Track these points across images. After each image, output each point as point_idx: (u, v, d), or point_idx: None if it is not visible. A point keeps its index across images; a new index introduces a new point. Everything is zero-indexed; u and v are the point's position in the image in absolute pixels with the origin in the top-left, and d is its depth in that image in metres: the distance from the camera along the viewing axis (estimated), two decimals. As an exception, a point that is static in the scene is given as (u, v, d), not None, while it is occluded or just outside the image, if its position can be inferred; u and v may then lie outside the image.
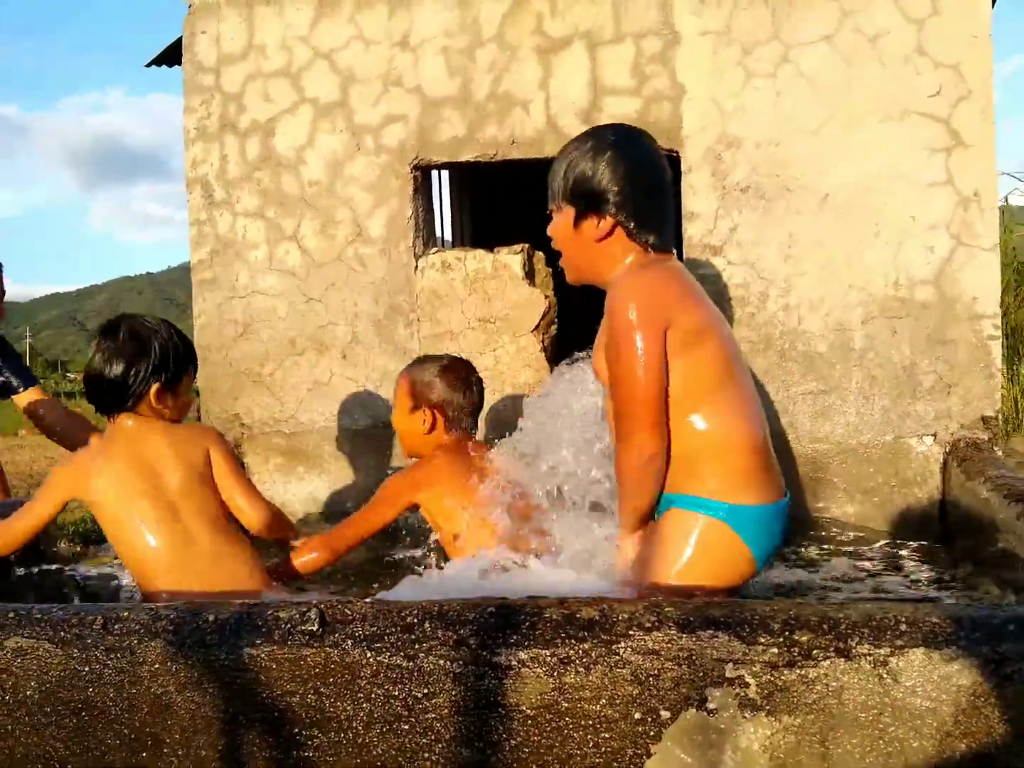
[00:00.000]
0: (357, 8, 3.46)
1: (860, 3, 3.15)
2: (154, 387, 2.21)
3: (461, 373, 2.53)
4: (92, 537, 5.94)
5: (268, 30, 3.52)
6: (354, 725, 1.34)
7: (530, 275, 3.40)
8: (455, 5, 3.39)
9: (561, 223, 2.00)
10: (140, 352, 2.20)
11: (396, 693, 1.32)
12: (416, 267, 3.45)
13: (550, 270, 3.46)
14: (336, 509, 3.50)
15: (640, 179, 1.92)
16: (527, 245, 3.42)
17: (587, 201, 1.93)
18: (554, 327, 3.43)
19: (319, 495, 3.56)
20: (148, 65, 4.61)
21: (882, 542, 2.94)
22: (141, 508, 2.18)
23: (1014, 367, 5.35)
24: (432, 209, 3.73)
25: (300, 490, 3.56)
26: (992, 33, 3.12)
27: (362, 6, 3.46)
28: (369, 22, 3.46)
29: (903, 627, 1.21)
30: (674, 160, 3.30)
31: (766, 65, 3.21)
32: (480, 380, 2.57)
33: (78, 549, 5.25)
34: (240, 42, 3.54)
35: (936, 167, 3.14)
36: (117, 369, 2.19)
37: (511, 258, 3.37)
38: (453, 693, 1.31)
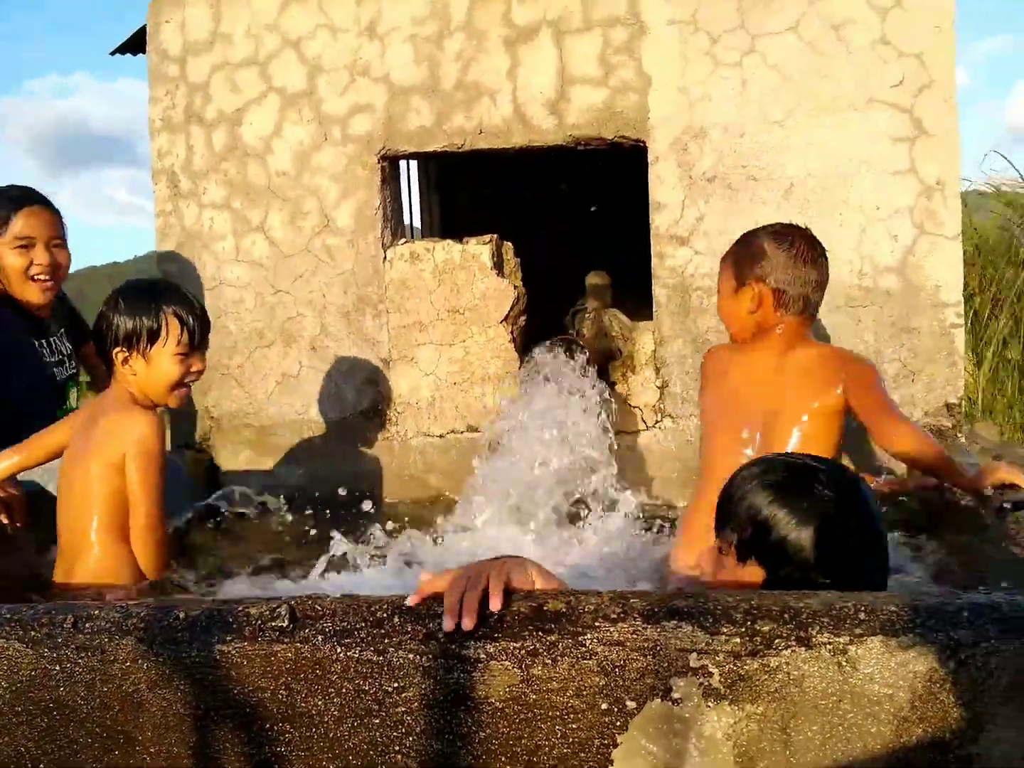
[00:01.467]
0: (324, -4, 3.44)
1: (825, -7, 3.18)
2: (116, 353, 2.28)
3: (791, 240, 2.38)
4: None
5: (235, 18, 3.50)
6: (325, 720, 1.35)
7: (499, 266, 3.41)
8: (422, -7, 3.38)
9: (712, 561, 1.64)
10: (101, 319, 2.30)
11: (367, 688, 1.34)
12: (384, 258, 3.45)
13: (518, 261, 3.47)
14: (306, 501, 3.49)
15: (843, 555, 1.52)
16: (495, 236, 3.43)
17: (765, 555, 1.53)
18: (523, 318, 3.44)
19: (289, 487, 3.55)
20: (113, 53, 4.57)
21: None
22: (62, 476, 2.31)
23: (980, 352, 5.43)
24: (400, 199, 3.73)
25: (270, 483, 3.56)
26: (955, 23, 3.16)
27: (329, -6, 3.44)
28: (337, 10, 3.44)
29: (862, 616, 1.24)
30: (641, 150, 3.32)
31: (732, 54, 3.23)
32: (824, 252, 2.42)
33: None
34: (206, 30, 3.52)
35: (900, 156, 3.17)
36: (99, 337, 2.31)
37: (480, 248, 3.38)
38: (423, 687, 1.32)
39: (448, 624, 1.31)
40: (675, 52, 3.25)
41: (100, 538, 2.21)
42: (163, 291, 2.34)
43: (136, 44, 4.48)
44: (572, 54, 3.30)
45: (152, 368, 2.26)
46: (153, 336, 2.25)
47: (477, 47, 3.35)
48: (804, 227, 2.48)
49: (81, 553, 2.23)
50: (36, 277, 2.83)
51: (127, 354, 2.25)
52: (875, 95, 3.16)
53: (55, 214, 2.89)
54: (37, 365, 2.90)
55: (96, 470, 2.20)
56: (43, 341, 2.95)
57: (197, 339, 2.30)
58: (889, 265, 3.19)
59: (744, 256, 2.41)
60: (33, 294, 2.85)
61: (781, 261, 2.36)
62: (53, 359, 2.96)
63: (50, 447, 2.40)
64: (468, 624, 1.31)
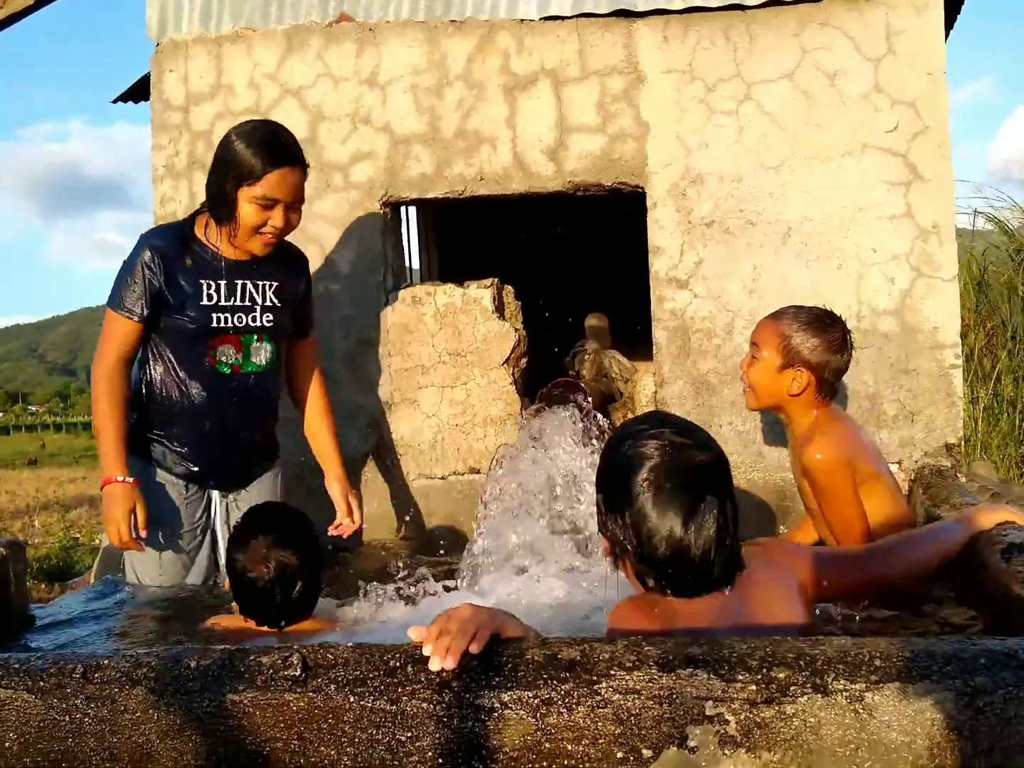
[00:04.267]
0: (325, 46, 3.50)
1: (819, 42, 3.23)
2: None
3: (839, 332, 2.46)
4: (57, 573, 5.83)
5: (236, 68, 3.55)
6: (338, 770, 1.34)
7: (500, 309, 3.43)
8: (422, 43, 3.44)
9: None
10: None
11: (380, 737, 1.33)
12: (386, 302, 3.47)
13: (519, 304, 3.50)
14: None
15: None
16: (496, 279, 3.46)
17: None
18: (524, 360, 3.46)
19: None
20: (115, 101, 4.62)
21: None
22: None
23: (974, 389, 5.45)
24: (401, 244, 3.76)
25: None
26: (947, 71, 3.22)
27: (330, 43, 3.50)
28: (337, 60, 3.49)
29: (877, 662, 1.24)
30: (640, 196, 3.36)
31: (728, 102, 3.28)
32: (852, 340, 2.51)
33: (43, 586, 5.16)
34: (208, 80, 3.56)
35: (896, 200, 3.22)
36: None
37: (481, 292, 3.40)
38: (436, 736, 1.31)
39: (434, 664, 1.33)
40: (672, 100, 3.30)
41: None
42: None
43: (137, 93, 4.54)
44: (570, 102, 3.35)
45: None
46: None
47: (477, 96, 3.40)
48: (839, 315, 2.53)
49: None
50: (263, 233, 2.63)
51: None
52: (870, 141, 3.21)
53: (304, 174, 2.67)
54: (192, 307, 2.66)
55: None
56: (217, 283, 2.68)
57: None
58: (887, 308, 3.22)
59: (796, 338, 2.44)
60: (256, 247, 2.66)
61: (830, 350, 2.43)
62: (227, 302, 2.70)
63: None
64: (449, 664, 1.33)
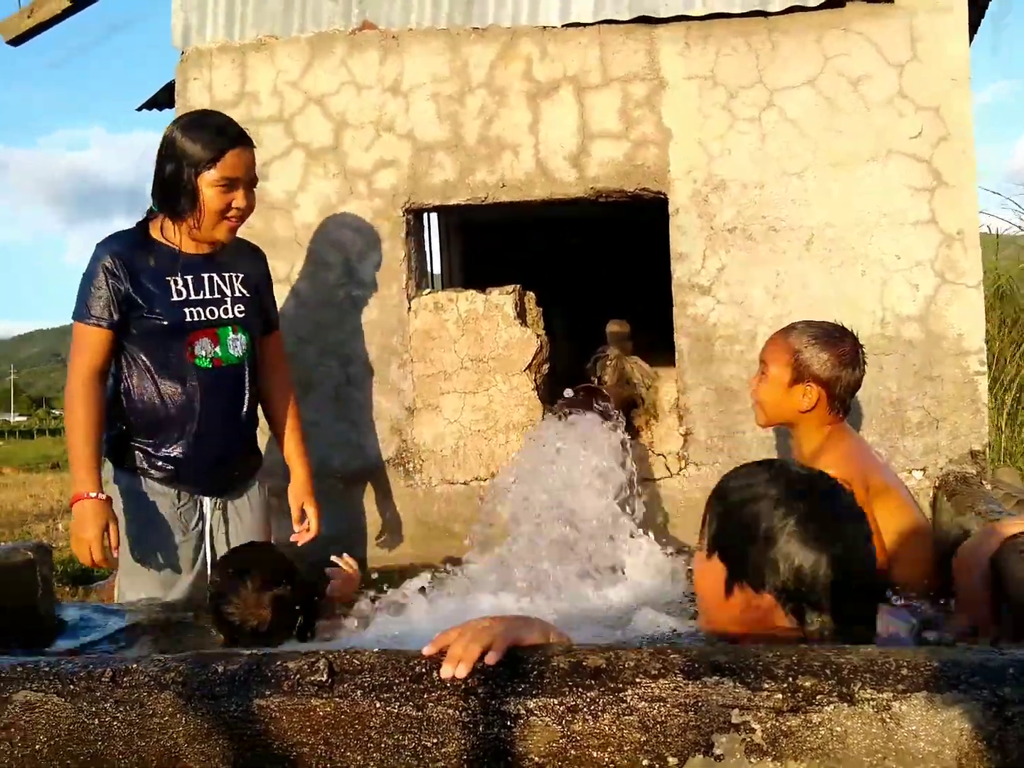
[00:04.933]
0: (348, 53, 3.52)
1: (842, 48, 3.23)
2: None
3: (849, 346, 2.44)
4: (81, 577, 5.84)
5: (260, 76, 3.57)
6: (364, 775, 1.35)
7: (522, 315, 3.44)
8: (445, 50, 3.45)
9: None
10: None
11: (406, 743, 1.34)
12: (408, 308, 3.48)
13: (541, 310, 3.51)
14: (326, 552, 3.48)
15: None
16: (518, 286, 3.46)
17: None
18: (546, 366, 3.46)
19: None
20: (140, 109, 4.68)
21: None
22: None
23: (999, 396, 5.41)
24: (424, 251, 3.77)
25: (290, 534, 3.56)
26: (970, 76, 3.21)
27: (353, 51, 3.51)
28: (360, 68, 3.51)
29: (904, 671, 1.24)
30: (662, 202, 3.36)
31: (751, 108, 3.28)
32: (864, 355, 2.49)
33: (67, 590, 5.18)
34: (232, 88, 3.59)
35: (920, 206, 3.20)
36: None
37: (503, 299, 3.41)
38: (462, 742, 1.32)
39: (445, 672, 1.34)
40: (694, 107, 3.30)
41: None
42: None
43: (161, 101, 4.59)
44: (592, 109, 3.36)
45: None
46: None
47: (499, 103, 3.41)
48: (852, 330, 2.52)
49: None
50: (229, 217, 2.67)
51: None
52: (894, 147, 3.20)
53: (254, 154, 2.72)
54: (163, 305, 2.66)
55: None
56: (184, 278, 2.69)
57: None
58: (911, 314, 3.20)
59: (805, 353, 2.43)
60: (222, 233, 2.69)
61: (840, 365, 2.42)
62: (197, 296, 2.70)
63: None
64: (461, 672, 1.33)
